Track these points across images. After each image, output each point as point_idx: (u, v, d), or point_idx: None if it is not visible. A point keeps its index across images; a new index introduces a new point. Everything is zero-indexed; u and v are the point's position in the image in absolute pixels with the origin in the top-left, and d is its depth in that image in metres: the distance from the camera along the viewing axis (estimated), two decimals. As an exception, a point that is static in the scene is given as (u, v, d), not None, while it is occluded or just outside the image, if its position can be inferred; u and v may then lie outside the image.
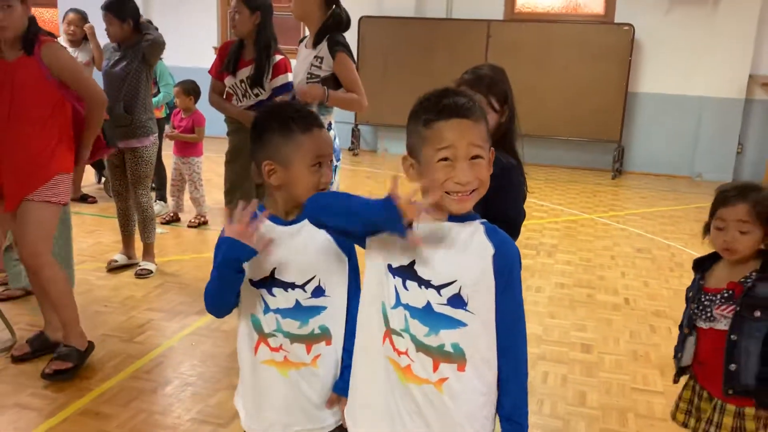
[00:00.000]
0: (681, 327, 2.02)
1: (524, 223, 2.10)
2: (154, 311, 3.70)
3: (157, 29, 4.24)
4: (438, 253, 1.37)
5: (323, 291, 1.58)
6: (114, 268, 4.29)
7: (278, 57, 3.58)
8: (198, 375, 3.02)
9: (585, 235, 5.59)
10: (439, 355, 1.37)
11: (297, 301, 1.57)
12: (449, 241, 1.38)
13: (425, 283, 1.37)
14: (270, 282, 1.56)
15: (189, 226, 5.38)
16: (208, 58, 4.21)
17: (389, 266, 1.41)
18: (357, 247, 1.58)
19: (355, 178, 7.48)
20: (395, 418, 1.42)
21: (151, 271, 4.25)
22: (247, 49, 3.60)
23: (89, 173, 6.51)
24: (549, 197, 6.91)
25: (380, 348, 1.44)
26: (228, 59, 3.63)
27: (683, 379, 2.05)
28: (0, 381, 2.91)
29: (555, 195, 7.06)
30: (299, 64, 3.41)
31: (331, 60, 3.23)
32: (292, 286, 1.56)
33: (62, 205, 2.97)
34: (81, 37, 5.17)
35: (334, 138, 3.06)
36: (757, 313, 1.76)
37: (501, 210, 1.83)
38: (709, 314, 1.86)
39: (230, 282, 1.52)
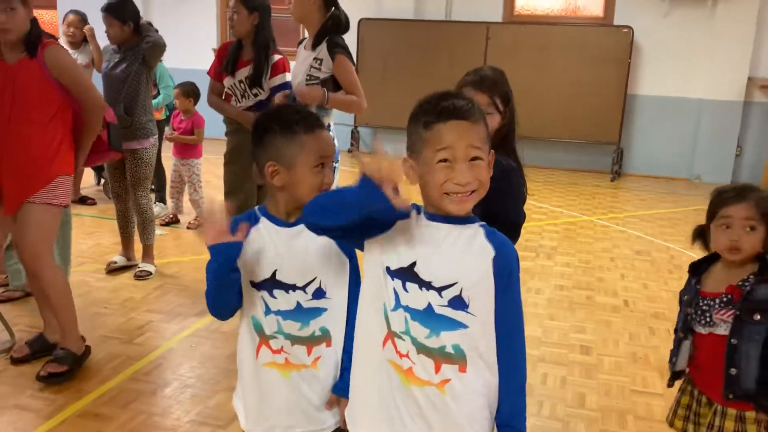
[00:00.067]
0: (676, 331, 2.00)
1: (524, 225, 2.11)
2: (153, 313, 3.70)
3: (157, 31, 4.24)
4: (439, 254, 1.38)
5: (324, 293, 1.58)
6: (113, 270, 4.29)
7: (277, 57, 3.59)
8: (197, 377, 3.02)
9: (584, 237, 5.60)
10: (440, 356, 1.38)
11: (298, 303, 1.57)
12: (449, 243, 1.38)
13: (426, 285, 1.37)
14: (271, 283, 1.57)
15: (188, 228, 5.38)
16: (208, 60, 4.21)
17: (387, 269, 1.41)
18: (357, 250, 1.58)
19: (355, 180, 7.46)
20: (395, 420, 1.42)
21: (151, 273, 4.25)
22: (246, 50, 3.61)
23: (88, 175, 6.51)
24: (548, 199, 6.92)
25: (380, 351, 1.44)
26: (227, 60, 3.64)
27: (677, 384, 2.04)
28: (-1, 382, 2.91)
29: (554, 197, 7.06)
30: (298, 65, 3.41)
31: (330, 62, 3.24)
32: (293, 287, 1.56)
33: (63, 207, 2.97)
34: (81, 39, 5.17)
35: (333, 140, 3.06)
36: (757, 317, 1.75)
37: (502, 212, 1.83)
38: (708, 319, 1.84)
39: (228, 283, 1.52)
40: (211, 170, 6.27)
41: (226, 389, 2.88)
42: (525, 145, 2.21)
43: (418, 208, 1.43)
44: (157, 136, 4.26)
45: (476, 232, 1.39)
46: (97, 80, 3.77)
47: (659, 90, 8.26)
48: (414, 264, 1.38)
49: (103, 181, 6.35)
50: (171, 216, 5.52)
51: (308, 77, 3.29)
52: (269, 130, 1.58)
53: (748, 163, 8.18)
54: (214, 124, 4.86)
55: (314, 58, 3.28)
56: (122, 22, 3.97)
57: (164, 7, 9.59)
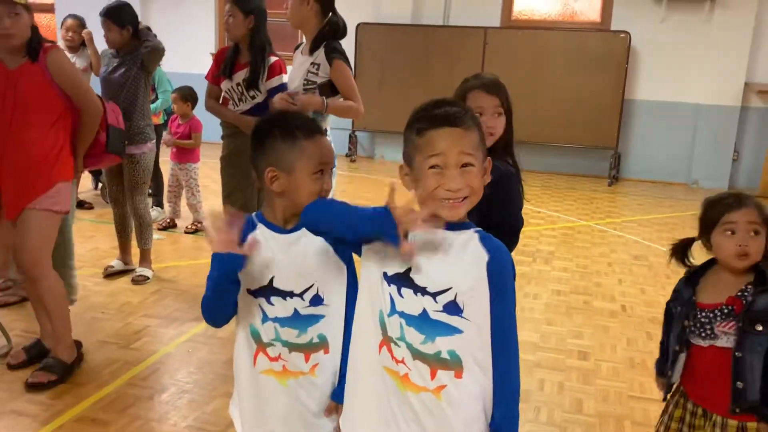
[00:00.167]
0: (664, 344, 1.98)
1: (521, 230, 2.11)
2: (150, 318, 3.70)
3: (156, 36, 4.24)
4: (433, 260, 1.38)
5: (322, 299, 1.58)
6: (111, 274, 4.28)
7: (273, 59, 3.60)
8: (194, 382, 3.02)
9: (582, 242, 5.60)
10: (435, 362, 1.38)
11: (295, 310, 1.57)
12: (444, 249, 1.39)
13: (421, 291, 1.38)
14: (268, 291, 1.56)
15: (186, 233, 5.37)
16: (206, 64, 4.21)
17: (384, 274, 1.42)
18: (354, 255, 1.58)
19: (353, 184, 7.48)
20: (391, 426, 1.43)
21: (148, 278, 4.24)
22: (243, 53, 3.63)
23: (86, 179, 6.51)
24: (546, 204, 6.93)
25: (376, 356, 1.44)
26: (224, 64, 3.66)
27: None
28: (-4, 388, 2.90)
29: (552, 202, 7.07)
30: (295, 70, 3.42)
31: (327, 66, 3.24)
32: (291, 294, 1.56)
33: (63, 213, 2.97)
34: (79, 43, 5.18)
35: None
36: (759, 327, 1.72)
37: (502, 217, 1.84)
38: (708, 331, 1.80)
39: (226, 294, 1.52)
40: (208, 174, 6.27)
41: (223, 395, 2.87)
42: (522, 149, 2.22)
43: None
44: (155, 141, 4.26)
45: (471, 237, 1.40)
46: (95, 84, 3.76)
47: (656, 95, 8.29)
48: (409, 270, 1.39)
49: (100, 185, 6.35)
50: (168, 220, 5.52)
51: (305, 82, 3.29)
52: (269, 135, 1.58)
53: (745, 168, 8.20)
54: (211, 129, 4.87)
55: (311, 63, 3.29)
56: (121, 26, 3.97)
57: (162, 11, 9.61)
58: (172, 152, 5.44)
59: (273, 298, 1.56)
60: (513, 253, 1.53)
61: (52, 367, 2.95)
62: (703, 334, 1.81)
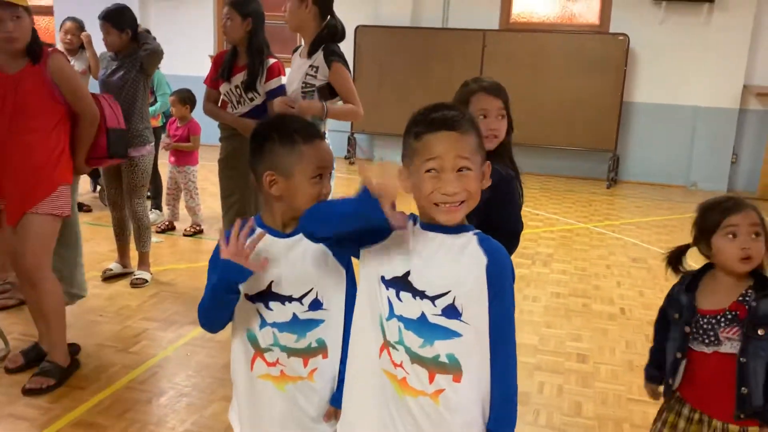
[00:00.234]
0: (656, 350, 1.97)
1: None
2: (149, 321, 3.69)
3: (155, 39, 4.24)
4: (432, 263, 1.38)
5: (321, 304, 1.58)
6: (109, 277, 4.28)
7: (271, 60, 3.61)
8: (193, 386, 3.01)
9: (580, 245, 5.60)
10: (434, 366, 1.38)
11: (294, 315, 1.56)
12: (443, 252, 1.38)
13: (419, 294, 1.38)
14: (267, 296, 1.56)
15: (184, 235, 5.37)
16: (204, 67, 4.21)
17: (383, 278, 1.42)
18: (353, 259, 1.58)
19: (352, 187, 7.47)
20: (389, 430, 1.42)
21: (146, 281, 4.24)
22: (241, 56, 3.64)
23: (84, 182, 6.50)
24: (544, 206, 6.93)
25: (376, 361, 1.44)
26: (222, 67, 3.66)
27: (647, 407, 1.99)
28: (-6, 391, 2.90)
29: (550, 204, 7.07)
30: (293, 72, 3.41)
31: (326, 69, 3.24)
32: (290, 299, 1.56)
33: (64, 217, 2.97)
34: (78, 46, 5.18)
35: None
36: (761, 332, 1.71)
37: (502, 220, 1.84)
38: (712, 338, 1.77)
39: (225, 302, 1.52)
40: (207, 177, 6.27)
41: (221, 398, 2.87)
42: (521, 152, 2.22)
43: (414, 218, 1.43)
44: (153, 144, 4.26)
45: (469, 240, 1.40)
46: (93, 88, 3.76)
47: (655, 97, 8.29)
48: (408, 273, 1.39)
49: (99, 188, 6.34)
50: (167, 223, 5.51)
51: (304, 84, 3.29)
52: (268, 139, 1.58)
53: (743, 171, 8.21)
54: (210, 131, 4.86)
55: (310, 66, 3.28)
56: (120, 30, 3.97)
57: (161, 14, 9.61)
58: (171, 155, 5.44)
59: (272, 303, 1.56)
60: (512, 256, 1.53)
61: (49, 371, 2.94)
62: (707, 341, 1.79)
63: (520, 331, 3.65)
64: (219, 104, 3.77)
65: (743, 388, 1.74)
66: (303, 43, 3.43)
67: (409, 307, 1.38)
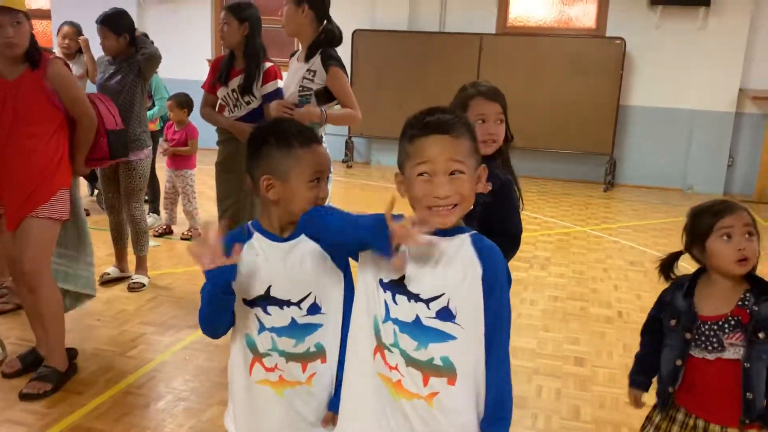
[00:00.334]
0: (644, 356, 1.97)
1: (518, 236, 2.12)
2: (146, 325, 3.68)
3: (152, 43, 4.25)
4: (426, 267, 1.38)
5: (319, 308, 1.58)
6: (106, 281, 4.27)
7: (268, 64, 3.62)
8: (191, 390, 3.01)
9: (578, 248, 5.61)
10: (428, 369, 1.38)
11: (293, 319, 1.56)
12: (436, 256, 1.39)
13: (414, 297, 1.38)
14: (265, 300, 1.56)
15: (182, 239, 5.37)
16: (202, 71, 4.23)
17: (380, 280, 1.42)
18: (351, 262, 1.58)
19: (349, 190, 7.49)
20: (385, 432, 1.42)
21: (144, 285, 4.23)
22: (238, 60, 3.67)
23: (82, 185, 6.47)
24: (542, 210, 6.94)
25: (371, 363, 1.44)
26: (220, 71, 3.69)
27: (645, 410, 1.98)
28: (-9, 396, 2.89)
29: (548, 208, 7.08)
30: (290, 77, 3.42)
31: (324, 73, 3.24)
32: (288, 303, 1.55)
33: (63, 221, 2.97)
34: (75, 50, 5.18)
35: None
36: (762, 335, 1.70)
37: (504, 225, 1.85)
38: (716, 344, 1.75)
39: (222, 304, 1.52)
40: (204, 181, 6.25)
41: (219, 403, 2.86)
42: (518, 155, 2.23)
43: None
44: (151, 148, 4.26)
45: (463, 241, 1.40)
46: (91, 91, 3.76)
47: (652, 101, 8.32)
48: (404, 276, 1.39)
49: (96, 191, 6.33)
50: (164, 227, 5.51)
51: (301, 88, 3.29)
52: (265, 143, 1.58)
53: (740, 174, 8.23)
54: (207, 135, 4.86)
55: (307, 70, 3.29)
56: (117, 34, 3.98)
57: (159, 18, 9.61)
58: (169, 159, 5.44)
59: (270, 308, 1.56)
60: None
61: (46, 376, 2.93)
62: (710, 347, 1.76)
63: (518, 335, 3.66)
64: (216, 109, 3.78)
65: (748, 394, 1.72)
66: (300, 47, 3.44)
67: (404, 310, 1.39)
